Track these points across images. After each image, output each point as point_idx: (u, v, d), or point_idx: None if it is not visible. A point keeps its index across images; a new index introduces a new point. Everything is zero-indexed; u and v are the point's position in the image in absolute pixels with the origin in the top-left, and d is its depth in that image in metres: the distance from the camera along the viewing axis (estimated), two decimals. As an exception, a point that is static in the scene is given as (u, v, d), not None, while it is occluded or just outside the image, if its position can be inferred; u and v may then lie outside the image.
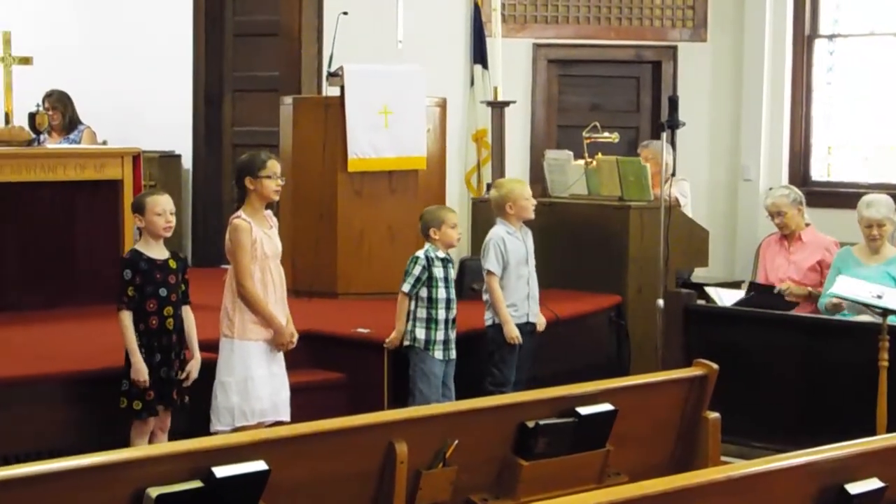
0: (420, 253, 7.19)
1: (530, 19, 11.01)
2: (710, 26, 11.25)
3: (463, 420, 4.77)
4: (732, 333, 7.76)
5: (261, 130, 10.67)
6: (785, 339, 7.59)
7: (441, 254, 7.19)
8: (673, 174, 9.57)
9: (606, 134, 9.40)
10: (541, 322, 7.63)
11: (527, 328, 7.50)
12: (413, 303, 7.15)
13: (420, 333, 7.13)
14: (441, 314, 7.13)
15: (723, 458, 5.47)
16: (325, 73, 9.34)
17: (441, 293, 7.14)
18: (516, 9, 10.95)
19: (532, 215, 7.57)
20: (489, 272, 7.42)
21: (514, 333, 7.36)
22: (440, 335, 7.13)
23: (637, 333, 8.76)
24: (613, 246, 8.95)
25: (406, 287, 7.13)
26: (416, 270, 7.12)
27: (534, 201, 7.58)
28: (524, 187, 7.65)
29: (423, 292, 7.13)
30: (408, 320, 7.15)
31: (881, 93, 10.73)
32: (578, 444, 4.96)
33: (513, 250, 7.47)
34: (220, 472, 4.03)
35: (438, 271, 7.15)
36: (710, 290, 8.56)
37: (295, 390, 6.64)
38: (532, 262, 7.61)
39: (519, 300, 7.49)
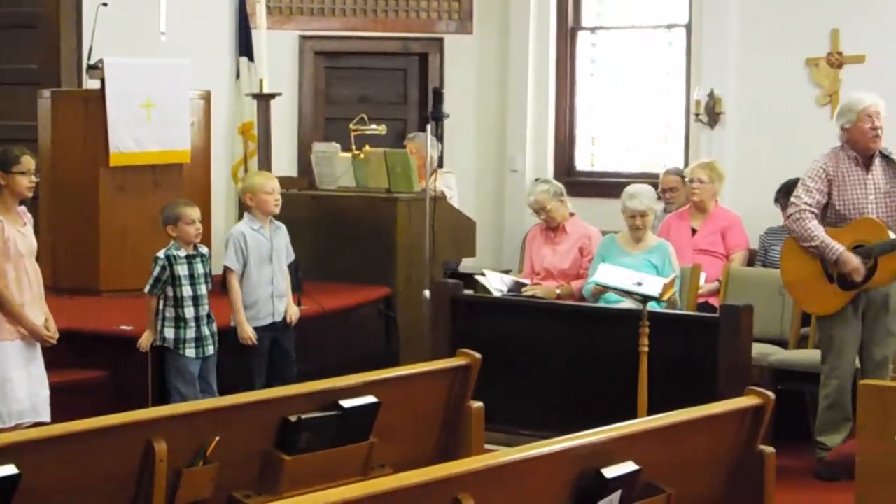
0: (161, 253, 7.13)
1: (296, 11, 10.94)
2: (475, 18, 11.33)
3: (224, 416, 4.70)
4: (500, 322, 7.84)
5: (18, 125, 10.27)
6: (551, 327, 7.70)
7: (184, 251, 7.12)
8: (440, 166, 9.65)
9: (374, 126, 9.41)
10: (293, 313, 7.54)
11: (277, 326, 7.45)
12: (162, 302, 7.07)
13: (169, 333, 7.07)
14: (189, 312, 7.08)
15: (488, 447, 5.49)
16: (84, 66, 9.12)
17: (186, 291, 7.09)
18: (282, 0, 10.86)
19: (273, 210, 7.47)
20: (228, 269, 7.36)
21: (246, 334, 7.30)
22: (191, 333, 7.07)
23: (406, 324, 8.79)
24: (382, 238, 8.96)
25: (147, 288, 7.11)
26: (156, 271, 7.08)
27: (276, 196, 7.46)
28: (265, 181, 7.55)
29: (170, 291, 7.06)
30: (159, 320, 7.06)
31: (642, 84, 10.96)
32: (341, 437, 4.93)
33: (254, 247, 7.39)
34: (-33, 478, 3.89)
35: (182, 269, 7.09)
36: (487, 273, 8.61)
37: (56, 390, 6.48)
38: (282, 258, 7.54)
39: (262, 299, 7.42)
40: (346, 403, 4.92)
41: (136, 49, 9.33)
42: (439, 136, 8.81)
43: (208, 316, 7.18)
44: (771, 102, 9.97)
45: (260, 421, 4.79)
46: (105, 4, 9.03)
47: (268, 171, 9.16)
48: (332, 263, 8.94)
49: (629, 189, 8.27)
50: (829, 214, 7.06)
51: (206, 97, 9.41)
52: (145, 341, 7.12)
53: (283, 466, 4.77)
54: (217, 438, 4.55)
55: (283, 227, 7.59)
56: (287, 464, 4.77)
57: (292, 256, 7.63)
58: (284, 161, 10.46)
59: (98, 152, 8.77)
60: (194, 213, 7.18)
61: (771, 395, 4.61)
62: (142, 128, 8.79)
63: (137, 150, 8.80)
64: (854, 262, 6.91)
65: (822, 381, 7.16)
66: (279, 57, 10.43)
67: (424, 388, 5.27)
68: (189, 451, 4.55)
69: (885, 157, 7.11)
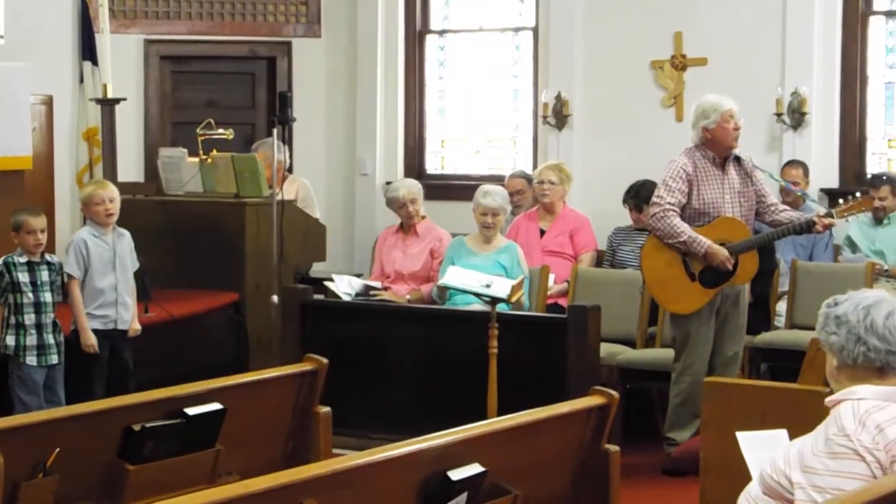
0: None
1: (140, 15, 10.78)
2: (323, 22, 11.28)
3: (64, 427, 4.60)
4: (350, 326, 7.83)
5: None
6: (401, 330, 7.71)
7: (25, 258, 7.04)
8: (289, 170, 9.59)
9: (221, 131, 9.30)
10: (134, 328, 7.46)
11: (116, 335, 7.36)
12: (7, 309, 6.97)
13: (10, 340, 6.99)
14: (29, 319, 6.99)
15: (338, 452, 5.46)
16: (-84, 72, 8.88)
17: (27, 298, 7.01)
18: (126, 4, 10.68)
19: (105, 221, 7.37)
20: (69, 276, 7.24)
21: (89, 341, 7.21)
22: (31, 340, 6.98)
23: (256, 330, 8.69)
24: (230, 243, 8.85)
25: None
26: None
27: (107, 206, 7.35)
28: (94, 192, 7.44)
29: (11, 298, 6.96)
30: (3, 327, 6.94)
31: (491, 87, 11.01)
32: (187, 445, 4.86)
33: (96, 253, 7.30)
34: None
35: (22, 276, 7.01)
36: (335, 277, 8.57)
37: None
38: (127, 266, 7.45)
39: (104, 305, 7.32)
40: (191, 411, 4.85)
41: (-27, 53, 9.12)
42: (287, 140, 8.75)
43: (54, 324, 7.09)
44: (617, 104, 10.11)
45: (102, 430, 4.70)
46: (-62, 7, 8.80)
47: (113, 177, 9.04)
48: (180, 269, 8.81)
49: (483, 187, 8.33)
50: (686, 213, 7.15)
51: (48, 102, 9.23)
52: None
53: (126, 476, 4.69)
54: (57, 450, 4.45)
55: (126, 235, 7.50)
56: (131, 473, 4.69)
57: (137, 264, 7.53)
58: (131, 167, 10.31)
59: (-66, 159, 8.54)
60: (37, 222, 7.06)
61: (615, 394, 4.64)
62: (-21, 134, 8.58)
63: (-25, 157, 8.59)
64: (722, 252, 7.03)
65: (674, 378, 7.24)
66: (124, 61, 10.28)
67: (271, 394, 5.22)
68: (28, 464, 4.44)
69: (736, 158, 7.26)
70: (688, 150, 7.26)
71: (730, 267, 7.05)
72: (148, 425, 4.73)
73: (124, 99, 9.63)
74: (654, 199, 7.23)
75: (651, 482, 7.06)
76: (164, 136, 10.82)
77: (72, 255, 7.26)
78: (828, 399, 3.81)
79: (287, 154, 9.29)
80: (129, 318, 7.41)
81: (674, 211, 7.10)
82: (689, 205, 7.15)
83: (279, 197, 8.33)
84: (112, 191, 7.45)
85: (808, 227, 7.16)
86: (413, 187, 8.79)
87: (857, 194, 7.38)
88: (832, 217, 7.15)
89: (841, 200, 7.30)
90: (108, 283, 7.33)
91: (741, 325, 7.35)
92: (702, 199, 7.15)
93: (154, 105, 10.83)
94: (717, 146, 7.19)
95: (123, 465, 4.70)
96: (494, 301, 6.96)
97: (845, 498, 3.44)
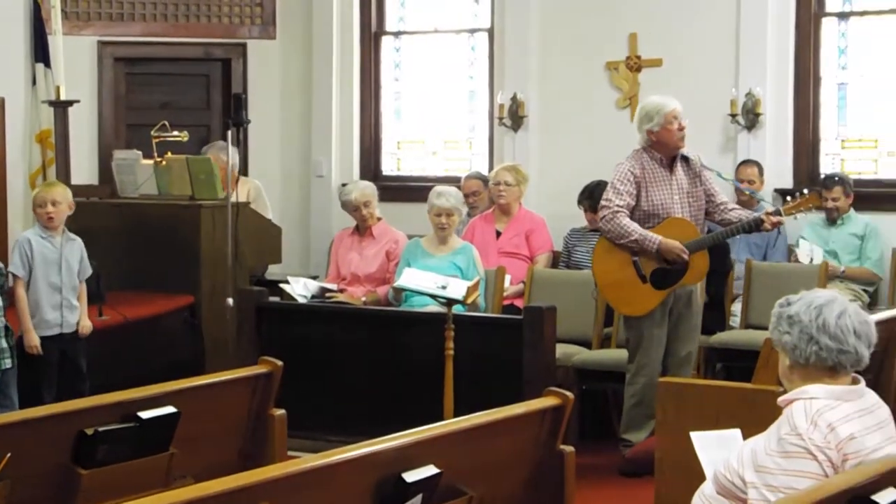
0: None
1: (94, 16, 10.71)
2: (278, 23, 11.25)
3: (16, 431, 4.55)
4: (306, 329, 7.81)
5: None
6: (358, 332, 7.69)
7: None
8: (242, 172, 9.57)
9: (176, 133, 9.27)
10: (84, 326, 7.40)
11: (66, 338, 7.31)
12: None
13: None
14: None
15: (293, 454, 5.43)
16: None
17: None
18: (79, 5, 10.62)
19: (46, 224, 7.30)
20: (14, 276, 7.19)
21: (33, 342, 7.16)
22: None
23: (212, 333, 8.67)
24: (185, 245, 8.82)
25: None
26: None
27: (49, 209, 7.26)
28: (37, 194, 7.42)
29: None
30: None
31: (447, 89, 11.01)
32: (141, 449, 4.83)
33: (40, 254, 7.23)
34: None
35: None
36: (290, 280, 8.56)
37: None
38: (73, 270, 7.38)
39: (50, 309, 7.27)
40: (145, 415, 4.82)
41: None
42: (242, 142, 8.72)
43: (6, 328, 7.01)
44: (572, 106, 10.13)
45: (55, 435, 4.66)
46: None
47: (66, 179, 8.98)
48: (136, 272, 8.77)
49: (437, 188, 8.35)
50: (636, 215, 7.16)
51: (0, 104, 9.15)
52: None
53: (80, 481, 4.65)
54: (9, 454, 4.41)
55: (77, 241, 7.44)
56: (84, 478, 4.65)
57: (89, 271, 7.47)
58: (85, 169, 10.25)
59: None
60: None
61: (570, 394, 4.64)
62: (-71, 136, 8.53)
63: (-75, 160, 8.53)
64: (676, 245, 7.04)
65: (628, 379, 7.25)
66: (77, 63, 10.22)
67: (225, 396, 5.19)
68: (-22, 470, 4.41)
69: (684, 158, 7.28)
70: (635, 152, 7.28)
71: (686, 258, 7.06)
72: (101, 429, 4.70)
73: (78, 101, 9.57)
74: (602, 202, 7.25)
75: (607, 483, 7.07)
76: (119, 138, 10.76)
77: (16, 255, 7.21)
78: (780, 398, 3.83)
79: (238, 156, 9.25)
80: (74, 320, 7.35)
81: (623, 212, 7.11)
82: (638, 207, 7.17)
83: (233, 199, 8.30)
84: (56, 194, 7.33)
85: (756, 226, 7.18)
86: (366, 189, 8.79)
87: (805, 191, 7.40)
88: (780, 215, 7.18)
89: (788, 198, 7.33)
90: (53, 284, 7.27)
91: (694, 326, 7.37)
92: (650, 201, 7.16)
93: (108, 107, 10.76)
94: (663, 148, 7.21)
95: (77, 470, 4.66)
96: (450, 302, 6.96)
97: (798, 497, 3.45)
